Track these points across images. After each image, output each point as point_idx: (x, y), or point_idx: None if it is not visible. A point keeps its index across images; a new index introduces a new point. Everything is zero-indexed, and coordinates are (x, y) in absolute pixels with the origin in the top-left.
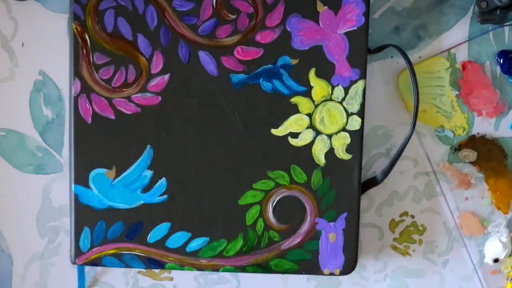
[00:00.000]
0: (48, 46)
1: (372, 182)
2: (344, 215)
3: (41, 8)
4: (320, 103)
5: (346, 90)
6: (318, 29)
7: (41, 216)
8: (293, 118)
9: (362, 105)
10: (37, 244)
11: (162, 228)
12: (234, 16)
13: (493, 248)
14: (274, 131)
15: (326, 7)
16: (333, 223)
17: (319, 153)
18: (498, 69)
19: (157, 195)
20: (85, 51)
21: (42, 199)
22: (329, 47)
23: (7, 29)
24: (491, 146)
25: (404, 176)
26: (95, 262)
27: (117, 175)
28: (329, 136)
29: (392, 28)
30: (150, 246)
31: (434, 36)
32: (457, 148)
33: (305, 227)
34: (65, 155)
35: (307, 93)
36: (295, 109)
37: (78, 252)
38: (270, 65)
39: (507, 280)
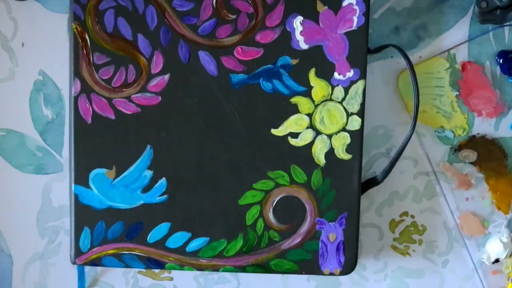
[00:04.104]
0: (48, 46)
1: (372, 182)
2: (344, 215)
3: (41, 8)
4: (320, 103)
5: (346, 90)
6: (318, 29)
7: (41, 216)
8: (293, 118)
9: (362, 105)
10: (37, 244)
11: (162, 228)
12: (234, 16)
13: (494, 248)
14: (274, 131)
15: (326, 7)
16: (333, 223)
17: (319, 153)
18: (498, 69)
19: (157, 195)
20: (85, 51)
21: (42, 199)
22: (329, 47)
23: (7, 29)
24: (491, 146)
25: (404, 176)
26: (95, 262)
27: (117, 175)
28: (329, 136)
29: (392, 28)
30: (150, 246)
31: (434, 36)
32: (457, 149)
33: (305, 227)
34: (65, 155)
35: (307, 93)
36: (295, 109)
37: (78, 252)
38: (270, 65)
39: (508, 280)
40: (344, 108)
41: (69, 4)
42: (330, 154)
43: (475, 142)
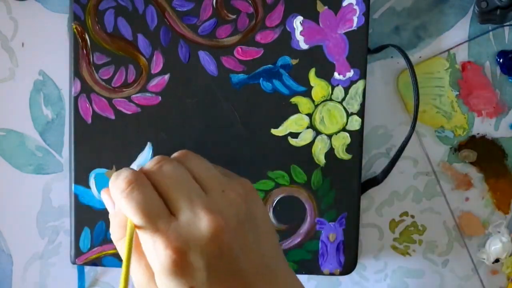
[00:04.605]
0: (48, 46)
1: (372, 182)
2: (344, 215)
3: (41, 8)
4: (320, 103)
5: (346, 90)
6: (318, 29)
7: (41, 216)
8: (293, 118)
9: (362, 105)
10: (37, 244)
11: None
12: (234, 16)
13: (494, 248)
14: (274, 131)
15: (326, 7)
16: (333, 223)
17: (319, 153)
18: (498, 69)
19: None
20: (85, 51)
21: (42, 199)
22: (329, 47)
23: (7, 29)
24: (491, 146)
25: (404, 176)
26: (95, 262)
27: None
28: (329, 136)
29: (392, 28)
30: None
31: (434, 36)
32: (457, 149)
33: (305, 227)
34: (65, 155)
35: (307, 93)
36: (295, 109)
37: (78, 252)
38: (270, 65)
39: (508, 280)
40: (344, 108)
41: (69, 4)
42: (330, 154)
43: (475, 142)
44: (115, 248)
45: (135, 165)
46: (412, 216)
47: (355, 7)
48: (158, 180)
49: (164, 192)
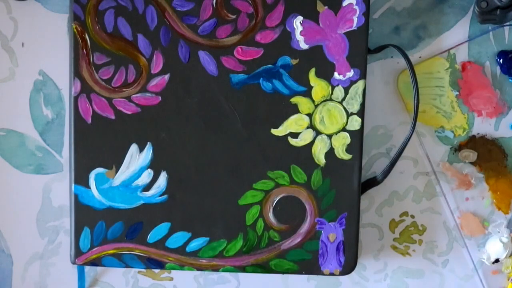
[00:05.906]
0: (48, 46)
1: (372, 182)
2: (344, 215)
3: (41, 8)
4: (320, 103)
5: (346, 90)
6: (318, 29)
7: (41, 216)
8: (293, 118)
9: (362, 105)
10: (37, 244)
11: (162, 228)
12: (234, 16)
13: (494, 248)
14: (274, 131)
15: (326, 7)
16: (333, 223)
17: (319, 153)
18: (498, 69)
19: (157, 195)
20: (85, 51)
21: (42, 199)
22: (329, 47)
23: (7, 29)
24: (491, 146)
25: (404, 176)
26: (95, 262)
27: (117, 175)
28: (329, 136)
29: (392, 28)
30: (150, 246)
31: (434, 36)
32: (457, 149)
33: (305, 227)
34: (65, 155)
35: (307, 93)
36: (295, 109)
37: (78, 252)
38: (270, 65)
39: (508, 280)
40: (344, 108)
41: (69, 4)
42: (330, 154)
43: (475, 142)
44: (115, 248)
45: (135, 165)
46: (412, 216)
47: (355, 7)
48: None
49: None
